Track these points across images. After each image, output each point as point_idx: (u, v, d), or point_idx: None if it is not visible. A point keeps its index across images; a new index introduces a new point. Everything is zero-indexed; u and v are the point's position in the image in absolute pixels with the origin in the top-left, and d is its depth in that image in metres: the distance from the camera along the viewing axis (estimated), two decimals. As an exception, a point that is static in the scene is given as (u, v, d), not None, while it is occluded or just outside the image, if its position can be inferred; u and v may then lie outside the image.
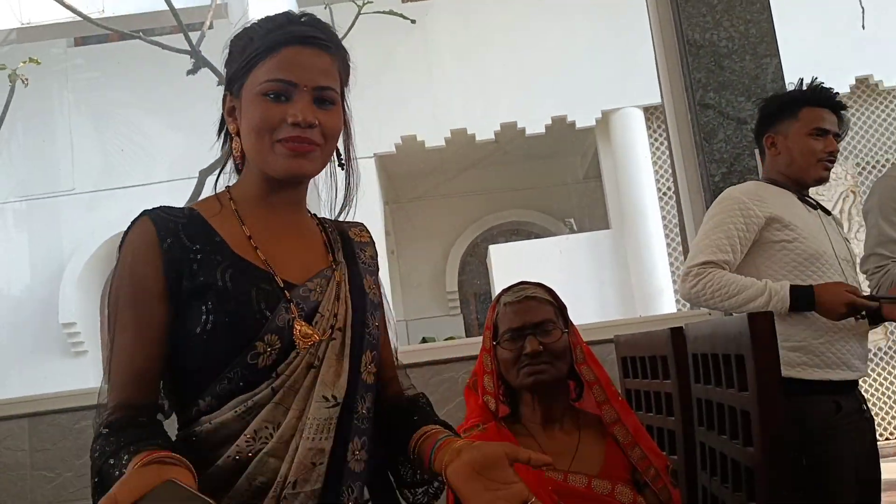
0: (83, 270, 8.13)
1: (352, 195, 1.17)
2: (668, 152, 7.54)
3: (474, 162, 8.60)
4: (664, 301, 7.27)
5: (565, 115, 7.97)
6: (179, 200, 1.21)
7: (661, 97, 3.09)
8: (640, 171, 7.72)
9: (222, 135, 1.16)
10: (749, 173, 2.89)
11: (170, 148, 7.31)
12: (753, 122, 2.95)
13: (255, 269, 1.04)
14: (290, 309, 1.03)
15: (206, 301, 1.00)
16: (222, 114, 1.13)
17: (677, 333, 1.69)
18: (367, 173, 7.87)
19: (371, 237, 1.22)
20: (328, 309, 1.06)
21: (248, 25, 1.09)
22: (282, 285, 1.04)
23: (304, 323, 1.03)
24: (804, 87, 2.15)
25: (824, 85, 2.14)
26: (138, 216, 1.05)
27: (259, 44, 1.05)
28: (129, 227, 1.06)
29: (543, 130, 8.03)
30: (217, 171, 1.19)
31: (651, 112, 7.83)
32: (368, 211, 7.37)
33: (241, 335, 1.00)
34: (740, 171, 2.93)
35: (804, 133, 2.07)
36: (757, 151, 2.55)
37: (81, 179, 7.84)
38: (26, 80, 5.53)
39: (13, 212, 8.05)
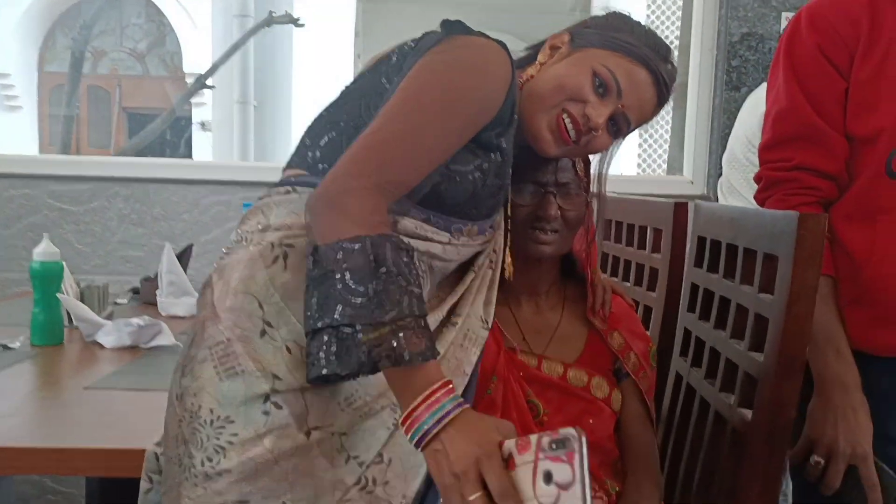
0: (22, 18, 7.46)
1: (595, 225, 1.29)
2: (671, 0, 7.10)
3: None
4: (628, 159, 7.14)
5: (562, -62, 7.35)
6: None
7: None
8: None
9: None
10: (770, 39, 2.66)
11: None
12: (788, -19, 2.69)
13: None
14: None
15: (485, 160, 1.00)
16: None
17: (681, 209, 1.56)
18: (344, -36, 7.22)
19: None
20: None
21: (637, 22, 1.14)
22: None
23: None
24: None
25: None
26: (493, 39, 1.00)
27: (632, 42, 1.09)
28: (480, 39, 0.99)
29: (537, -51, 7.41)
30: None
31: (657, -49, 7.26)
32: (341, 7, 6.84)
33: (495, 205, 1.07)
34: (761, 34, 2.69)
35: None
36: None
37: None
38: None
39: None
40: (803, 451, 1.23)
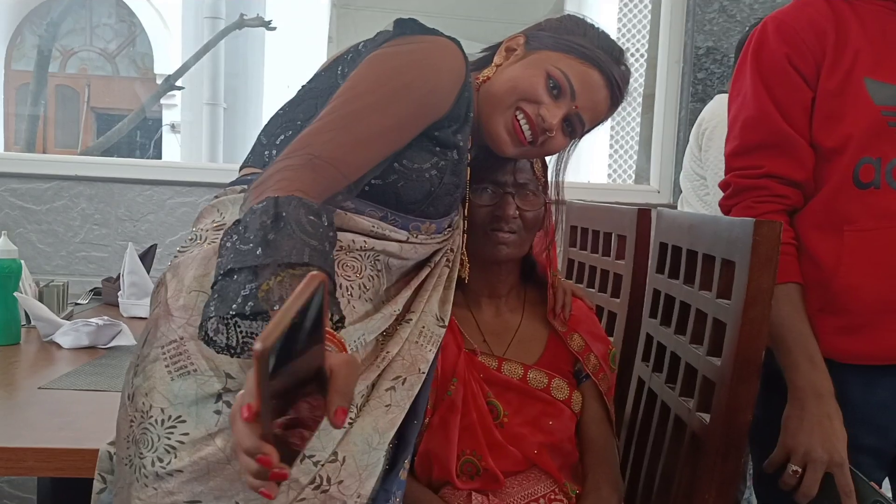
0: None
1: (554, 226, 1.30)
2: (641, 14, 7.21)
3: (436, -21, 7.98)
4: (599, 168, 7.19)
5: (540, -52, 7.40)
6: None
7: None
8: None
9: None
10: (733, 53, 2.71)
11: None
12: (753, -4, 2.74)
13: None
14: None
15: (442, 158, 1.01)
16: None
17: (644, 216, 1.58)
18: (319, -31, 7.20)
19: None
20: None
21: (591, 24, 1.16)
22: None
23: None
24: None
25: None
26: (446, 36, 1.00)
27: (585, 45, 1.11)
28: (434, 35, 1.00)
29: (514, -40, 7.46)
30: None
31: (630, -37, 7.35)
32: (314, 13, 6.82)
33: (452, 202, 1.06)
34: (725, 48, 2.74)
35: None
36: None
37: None
38: None
39: None
40: (779, 461, 1.22)
